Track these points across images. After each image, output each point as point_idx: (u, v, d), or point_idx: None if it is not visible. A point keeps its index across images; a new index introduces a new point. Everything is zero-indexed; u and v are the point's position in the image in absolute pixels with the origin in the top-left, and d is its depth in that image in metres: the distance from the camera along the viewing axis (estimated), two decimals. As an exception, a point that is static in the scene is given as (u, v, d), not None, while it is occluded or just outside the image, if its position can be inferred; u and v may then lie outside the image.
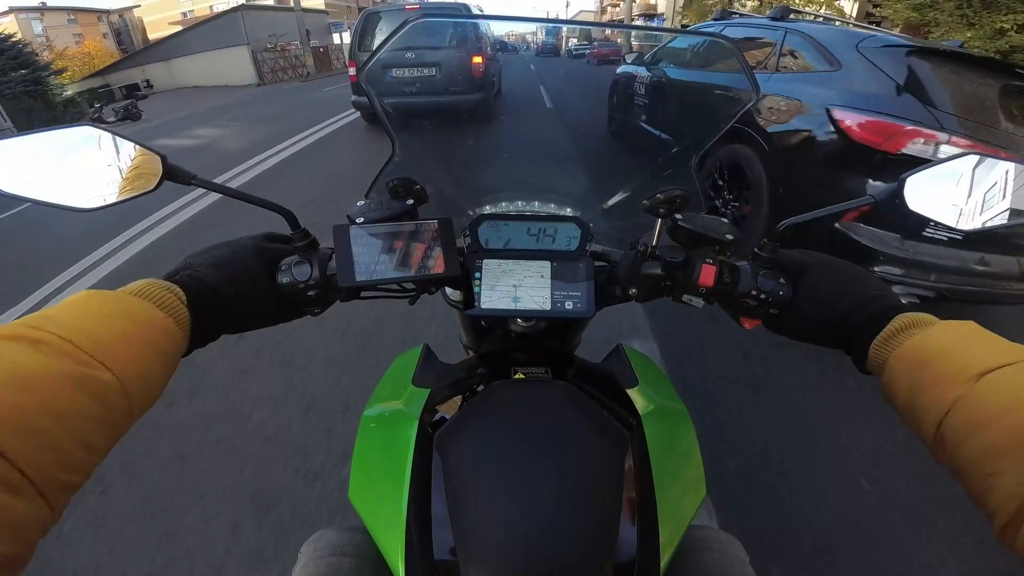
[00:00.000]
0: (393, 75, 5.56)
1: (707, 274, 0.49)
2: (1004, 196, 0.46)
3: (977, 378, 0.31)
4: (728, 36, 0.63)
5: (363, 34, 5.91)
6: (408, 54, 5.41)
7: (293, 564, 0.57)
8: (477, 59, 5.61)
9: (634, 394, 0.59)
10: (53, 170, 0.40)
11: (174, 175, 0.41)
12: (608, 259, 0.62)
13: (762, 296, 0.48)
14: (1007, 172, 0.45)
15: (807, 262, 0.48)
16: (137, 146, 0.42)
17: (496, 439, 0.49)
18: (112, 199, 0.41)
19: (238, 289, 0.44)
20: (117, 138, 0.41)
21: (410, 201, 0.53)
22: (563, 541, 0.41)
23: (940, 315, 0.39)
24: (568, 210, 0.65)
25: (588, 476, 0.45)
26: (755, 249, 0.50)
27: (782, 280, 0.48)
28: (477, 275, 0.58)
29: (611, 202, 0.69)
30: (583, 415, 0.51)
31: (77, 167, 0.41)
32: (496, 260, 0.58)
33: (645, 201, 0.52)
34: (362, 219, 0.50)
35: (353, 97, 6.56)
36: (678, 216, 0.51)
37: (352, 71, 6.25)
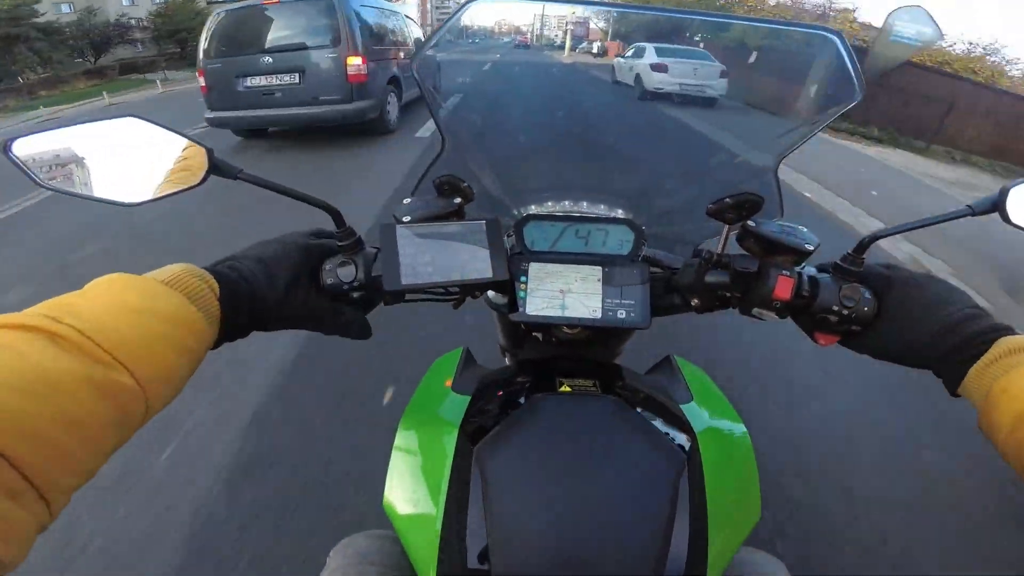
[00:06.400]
0: (248, 85, 4.79)
1: (783, 286, 0.45)
2: None
3: None
4: (838, 31, 0.58)
5: (214, 37, 4.89)
6: (264, 58, 4.71)
7: (321, 570, 0.56)
8: (354, 59, 4.71)
9: (688, 410, 0.55)
10: (95, 163, 0.38)
11: (220, 169, 0.39)
12: (662, 265, 0.58)
13: (844, 312, 0.44)
14: None
15: (893, 277, 0.44)
16: (184, 139, 0.40)
17: (541, 456, 0.46)
18: (158, 193, 0.40)
19: (276, 288, 0.41)
20: (163, 130, 0.39)
21: (457, 200, 0.51)
22: (604, 559, 0.40)
23: None
24: (619, 212, 0.62)
25: (637, 497, 0.43)
26: (838, 261, 0.46)
27: (867, 295, 0.44)
28: (523, 279, 0.55)
29: (667, 206, 0.65)
30: (634, 434, 0.48)
31: (121, 160, 0.39)
32: (542, 263, 0.55)
33: (711, 205, 0.48)
34: (408, 218, 0.48)
35: (209, 114, 5.10)
36: (750, 223, 0.48)
37: (203, 81, 5.02)
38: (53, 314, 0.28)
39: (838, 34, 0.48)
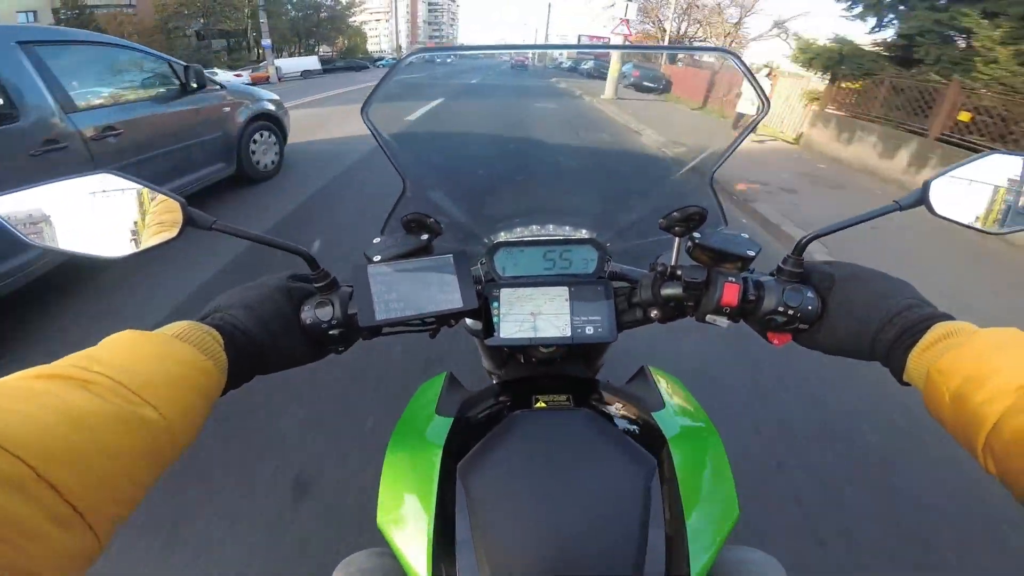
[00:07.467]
0: None
1: (730, 293, 0.48)
2: None
3: None
4: (734, 51, 0.61)
5: None
6: None
7: None
8: None
9: (660, 417, 0.57)
10: (76, 219, 0.40)
11: (194, 221, 0.41)
12: (628, 279, 0.61)
13: (790, 312, 0.46)
14: None
15: (835, 275, 0.47)
16: (156, 192, 0.41)
17: (518, 469, 0.49)
18: (138, 247, 0.41)
19: (270, 332, 0.44)
20: (137, 184, 0.41)
21: (425, 236, 0.53)
22: (584, 564, 0.42)
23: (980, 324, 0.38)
24: (584, 232, 0.65)
25: (612, 503, 0.45)
26: (780, 264, 0.49)
27: (810, 294, 0.46)
28: (495, 304, 0.57)
29: (627, 221, 0.68)
30: (606, 443, 0.51)
31: (99, 215, 0.40)
32: (513, 288, 0.58)
33: (661, 220, 0.52)
34: (379, 257, 0.50)
35: None
36: (696, 234, 0.51)
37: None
38: (81, 364, 0.30)
39: (733, 54, 0.52)
